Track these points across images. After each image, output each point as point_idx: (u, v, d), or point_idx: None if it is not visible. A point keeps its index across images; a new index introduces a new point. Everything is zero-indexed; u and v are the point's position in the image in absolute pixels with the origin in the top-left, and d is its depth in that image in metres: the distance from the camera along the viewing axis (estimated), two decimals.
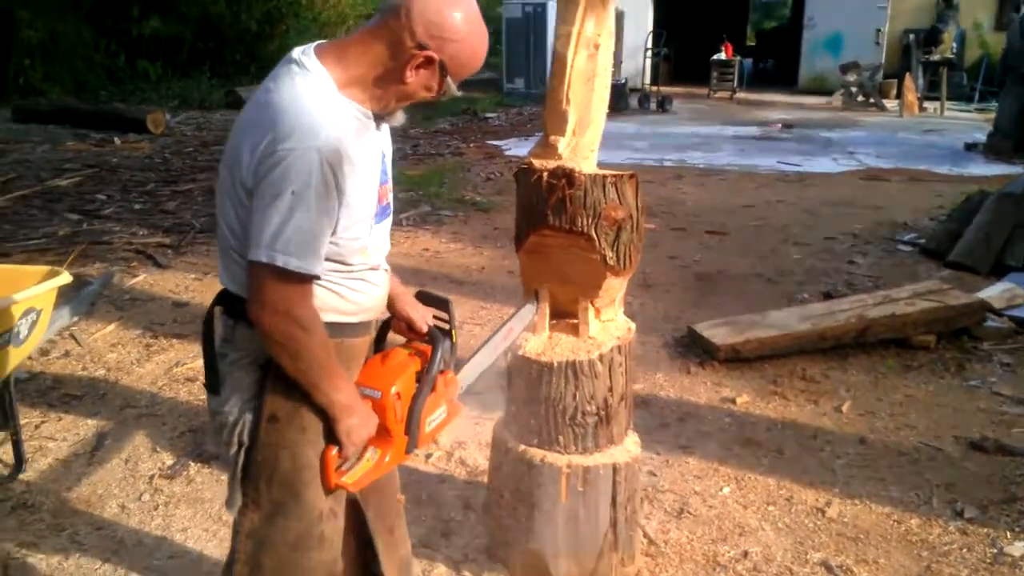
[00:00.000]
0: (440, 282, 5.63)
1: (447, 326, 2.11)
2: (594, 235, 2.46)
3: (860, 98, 16.38)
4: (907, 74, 15.67)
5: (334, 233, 1.72)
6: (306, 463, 1.86)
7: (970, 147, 11.39)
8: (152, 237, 6.74)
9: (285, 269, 1.64)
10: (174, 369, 4.26)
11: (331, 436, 1.85)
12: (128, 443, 3.57)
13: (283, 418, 1.83)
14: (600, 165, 2.66)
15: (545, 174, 2.47)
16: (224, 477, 2.76)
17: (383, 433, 1.90)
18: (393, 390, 1.89)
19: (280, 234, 1.63)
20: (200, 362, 2.39)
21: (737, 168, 10.17)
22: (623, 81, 16.19)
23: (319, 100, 1.67)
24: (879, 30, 17.92)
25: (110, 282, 5.53)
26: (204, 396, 1.96)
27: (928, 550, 2.90)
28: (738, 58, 18.24)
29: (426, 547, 2.86)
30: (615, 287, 2.64)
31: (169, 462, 3.43)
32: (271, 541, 1.89)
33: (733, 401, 3.99)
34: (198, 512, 3.08)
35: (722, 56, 18.04)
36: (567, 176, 2.44)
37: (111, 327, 4.82)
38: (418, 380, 1.94)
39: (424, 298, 2.14)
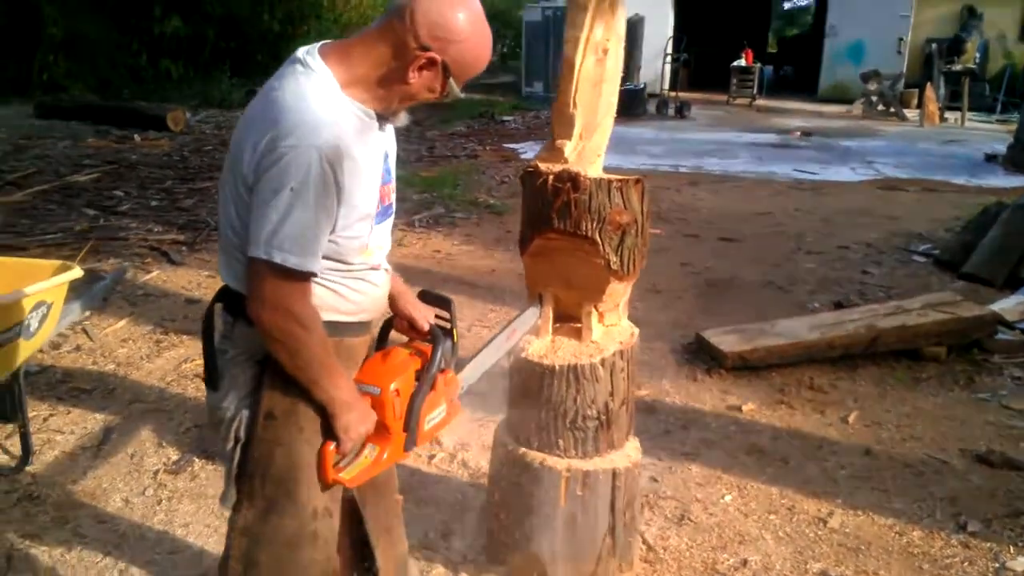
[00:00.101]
0: (450, 284, 5.63)
1: (448, 325, 2.12)
2: (598, 239, 2.46)
3: (880, 107, 16.30)
4: (928, 84, 15.58)
5: (333, 231, 1.73)
6: (301, 461, 1.87)
7: (990, 158, 11.30)
8: (167, 234, 6.79)
9: (283, 266, 1.65)
10: (183, 365, 4.29)
11: (329, 432, 1.85)
12: (134, 438, 3.60)
13: (280, 415, 1.85)
14: (615, 170, 2.66)
15: (551, 177, 2.47)
16: None
17: (382, 430, 1.90)
18: (392, 387, 1.89)
19: (278, 231, 1.64)
20: None
21: (753, 175, 10.14)
22: (641, 86, 16.19)
23: (321, 99, 1.68)
24: (901, 39, 17.84)
25: (123, 277, 5.58)
26: None
27: (929, 563, 2.88)
28: (758, 65, 18.20)
29: (425, 548, 2.87)
30: (619, 292, 2.64)
31: (174, 457, 3.45)
32: (265, 538, 1.90)
33: (739, 409, 3.98)
34: (201, 508, 3.10)
35: (742, 63, 18.00)
36: (572, 180, 2.44)
37: (123, 322, 4.86)
38: (418, 378, 1.95)
39: (426, 297, 2.15)
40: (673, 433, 3.76)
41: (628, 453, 2.69)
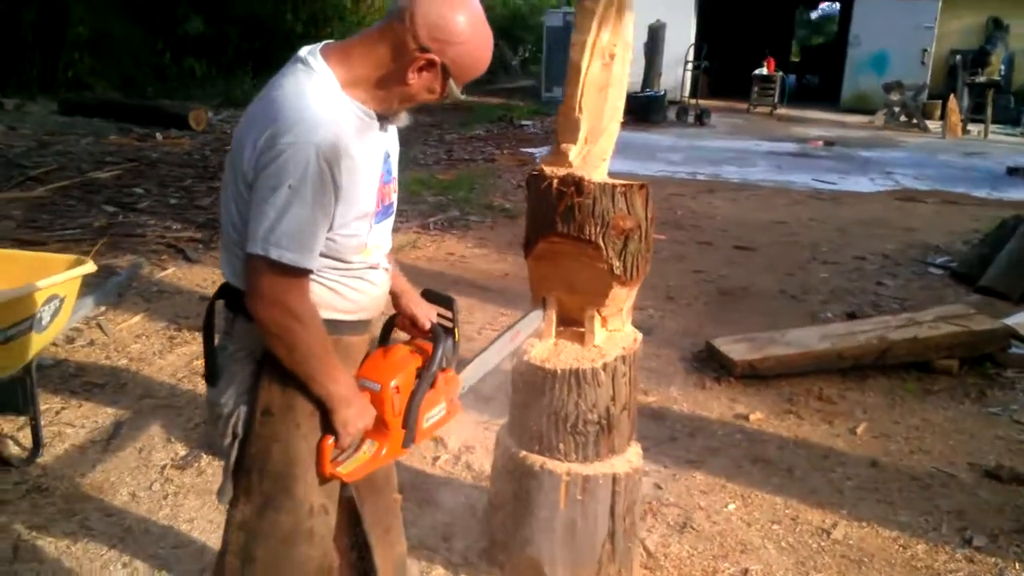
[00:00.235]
0: (463, 287, 5.65)
1: (451, 325, 2.13)
2: (602, 244, 2.46)
3: (903, 118, 16.20)
4: (952, 95, 15.47)
5: (331, 229, 1.75)
6: (298, 457, 1.88)
7: (1012, 171, 11.21)
8: (185, 231, 6.85)
9: (279, 262, 1.67)
10: (195, 362, 4.33)
11: (328, 427, 1.87)
12: (144, 433, 3.63)
13: (277, 412, 1.86)
14: (631, 176, 2.66)
15: (555, 181, 2.48)
16: None
17: (381, 426, 1.91)
18: (393, 384, 1.91)
19: (276, 228, 1.66)
20: None
21: (771, 184, 10.10)
22: (661, 93, 16.17)
23: (321, 98, 1.70)
24: (925, 50, 17.74)
25: (137, 273, 5.63)
26: None
27: None
28: (780, 73, 18.12)
29: (426, 548, 2.88)
30: (622, 297, 2.64)
31: (182, 453, 3.48)
32: (261, 534, 1.91)
33: (746, 418, 3.96)
34: (206, 504, 3.13)
35: (764, 71, 17.94)
36: (576, 184, 2.45)
37: (137, 318, 4.91)
38: (419, 376, 1.96)
39: (429, 296, 2.17)
40: (679, 440, 3.76)
41: (629, 458, 2.69)
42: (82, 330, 4.68)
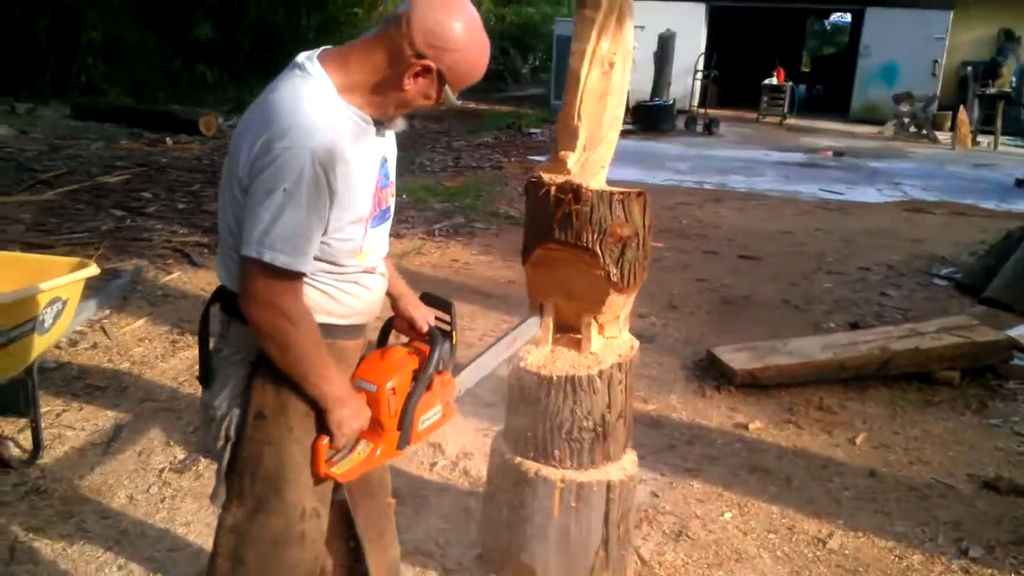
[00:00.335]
0: (466, 293, 5.66)
1: (448, 328, 2.14)
2: (599, 251, 2.47)
3: (912, 129, 16.18)
4: (962, 106, 15.43)
5: (325, 233, 1.76)
6: (290, 461, 1.89)
7: (1021, 183, 11.18)
8: (191, 236, 6.88)
9: (273, 265, 1.68)
10: (196, 366, 4.32)
11: (323, 427, 1.88)
12: (143, 436, 3.65)
13: (270, 415, 1.87)
14: (638, 184, 2.68)
15: (553, 188, 2.49)
16: None
17: (376, 427, 1.92)
18: (389, 385, 1.92)
19: (270, 231, 1.67)
20: None
21: (778, 194, 10.09)
22: (670, 102, 16.18)
23: (316, 103, 1.71)
24: (936, 61, 17.71)
25: (140, 276, 5.66)
26: None
27: None
28: (789, 83, 18.11)
29: (421, 554, 2.88)
30: (619, 304, 2.64)
31: (180, 457, 3.49)
32: (253, 537, 1.92)
33: (746, 427, 3.96)
34: (202, 507, 3.13)
35: (773, 81, 17.93)
36: (574, 191, 2.46)
37: (140, 322, 4.93)
38: (415, 378, 1.97)
39: (428, 300, 2.18)
40: (677, 448, 3.75)
41: (624, 466, 2.69)
42: (86, 333, 4.71)
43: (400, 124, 1.92)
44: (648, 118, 15.48)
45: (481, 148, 12.81)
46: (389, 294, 2.08)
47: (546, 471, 2.60)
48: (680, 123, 16.15)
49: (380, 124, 1.85)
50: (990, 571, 2.93)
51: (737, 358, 4.48)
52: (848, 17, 26.55)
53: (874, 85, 18.50)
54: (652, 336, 5.02)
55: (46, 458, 3.41)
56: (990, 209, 9.61)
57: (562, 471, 2.60)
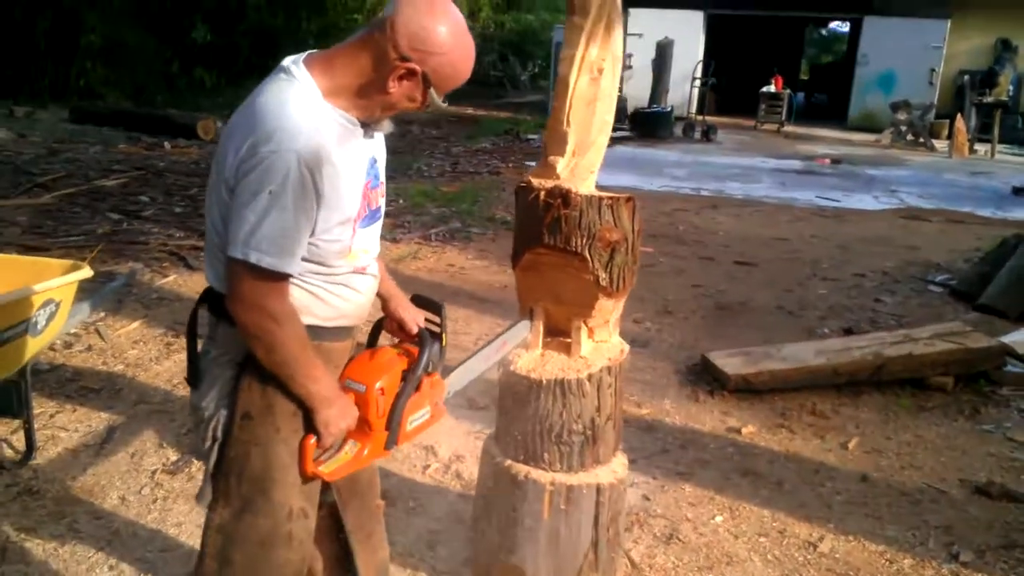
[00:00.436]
0: (462, 297, 5.68)
1: (438, 329, 2.15)
2: (588, 256, 2.47)
3: (909, 137, 16.22)
4: (959, 115, 15.48)
5: (313, 234, 1.77)
6: (277, 461, 1.89)
7: (1018, 191, 11.20)
8: (187, 239, 6.89)
9: (258, 266, 1.69)
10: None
11: (310, 427, 1.88)
12: (137, 437, 3.66)
13: (256, 416, 1.88)
14: (634, 191, 2.68)
15: (542, 193, 2.50)
16: None
17: (364, 427, 1.93)
18: (378, 385, 1.92)
19: (255, 232, 1.68)
20: None
21: (775, 200, 10.11)
22: (668, 109, 16.22)
23: (302, 106, 1.72)
24: (933, 70, 17.78)
25: (135, 279, 5.67)
26: None
27: None
28: (787, 91, 18.15)
29: (411, 556, 2.89)
30: (608, 308, 2.64)
31: (173, 458, 3.50)
32: (239, 537, 1.92)
33: (738, 431, 3.96)
34: (194, 508, 3.13)
35: (772, 88, 17.98)
36: (563, 196, 2.46)
37: (135, 324, 4.94)
38: (404, 379, 1.98)
39: (418, 301, 2.19)
40: (670, 452, 3.76)
41: (614, 469, 2.69)
42: (80, 335, 4.72)
43: (387, 126, 1.93)
44: (646, 125, 15.52)
45: (479, 154, 12.84)
46: (379, 295, 2.09)
47: (536, 474, 2.60)
48: (678, 130, 16.19)
49: (367, 126, 1.86)
50: (980, 575, 2.94)
51: (731, 363, 4.49)
52: (846, 26, 26.64)
53: (872, 93, 18.57)
54: (647, 341, 5.03)
55: (39, 459, 3.42)
56: (986, 217, 9.64)
57: (552, 474, 2.60)
